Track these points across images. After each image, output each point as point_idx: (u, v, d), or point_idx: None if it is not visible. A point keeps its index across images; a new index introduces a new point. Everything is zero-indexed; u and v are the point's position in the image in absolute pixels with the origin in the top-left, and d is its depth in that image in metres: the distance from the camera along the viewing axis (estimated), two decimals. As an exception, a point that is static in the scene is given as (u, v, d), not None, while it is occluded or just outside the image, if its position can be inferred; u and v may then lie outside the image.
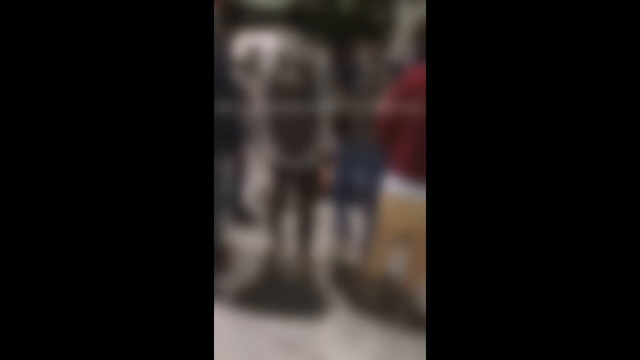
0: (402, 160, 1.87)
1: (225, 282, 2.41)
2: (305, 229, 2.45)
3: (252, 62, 2.43)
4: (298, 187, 2.34)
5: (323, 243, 2.68)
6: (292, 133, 2.14)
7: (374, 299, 2.29)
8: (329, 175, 2.31)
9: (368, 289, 2.32)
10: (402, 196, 1.89)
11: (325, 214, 2.59)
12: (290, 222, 2.51)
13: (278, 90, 2.10)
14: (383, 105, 1.93)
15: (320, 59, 2.09)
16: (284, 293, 2.37)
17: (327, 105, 2.12)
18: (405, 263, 2.11)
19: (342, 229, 2.63)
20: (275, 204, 2.46)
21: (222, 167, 2.37)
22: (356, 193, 2.43)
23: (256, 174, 3.14)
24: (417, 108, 1.75)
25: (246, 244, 2.75)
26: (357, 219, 2.58)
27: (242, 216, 3.04)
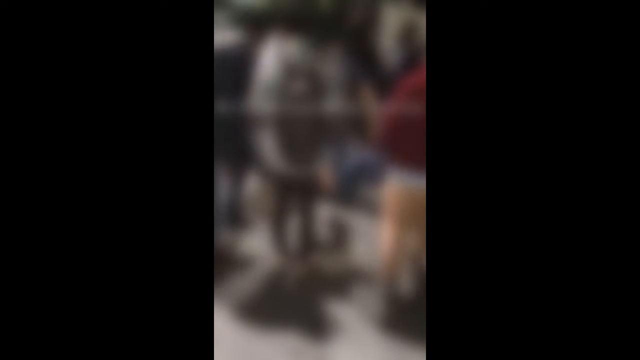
0: (408, 155, 1.96)
1: (228, 291, 2.38)
2: (308, 237, 2.42)
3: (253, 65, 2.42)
4: (300, 195, 2.31)
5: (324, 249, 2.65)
6: (297, 142, 2.13)
7: (381, 304, 2.30)
8: (330, 180, 2.30)
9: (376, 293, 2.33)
10: (408, 186, 1.99)
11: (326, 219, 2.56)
12: (292, 230, 2.49)
13: (284, 99, 2.09)
14: (388, 105, 2.01)
15: (330, 65, 2.09)
16: (287, 302, 2.34)
17: (335, 112, 2.12)
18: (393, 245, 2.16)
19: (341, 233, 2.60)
20: (278, 212, 2.44)
21: (221, 170, 2.35)
22: (350, 197, 2.41)
23: (252, 178, 3.12)
24: (422, 107, 1.81)
25: (248, 253, 2.72)
26: (359, 223, 2.56)
27: (237, 220, 2.99)
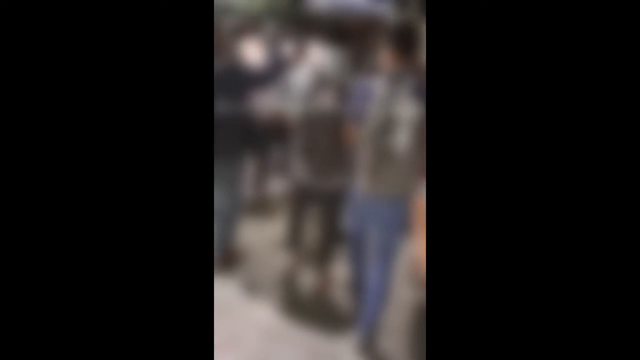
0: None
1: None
2: (327, 248, 2.38)
3: (275, 73, 2.43)
4: (322, 205, 2.29)
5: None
6: (323, 154, 2.12)
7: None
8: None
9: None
10: None
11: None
12: (310, 240, 2.48)
13: (312, 111, 2.09)
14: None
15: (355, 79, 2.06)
16: (304, 312, 2.32)
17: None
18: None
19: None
20: (297, 222, 2.43)
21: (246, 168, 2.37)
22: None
23: (274, 179, 3.28)
24: None
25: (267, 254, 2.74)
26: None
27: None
